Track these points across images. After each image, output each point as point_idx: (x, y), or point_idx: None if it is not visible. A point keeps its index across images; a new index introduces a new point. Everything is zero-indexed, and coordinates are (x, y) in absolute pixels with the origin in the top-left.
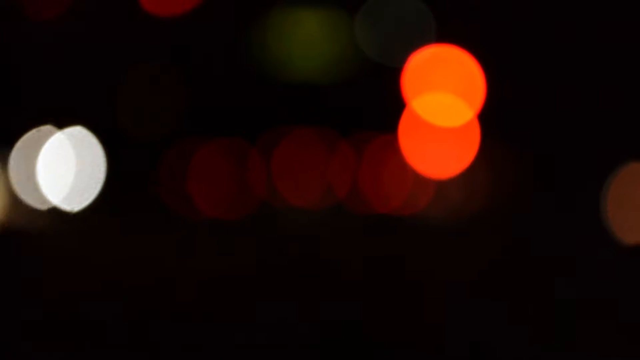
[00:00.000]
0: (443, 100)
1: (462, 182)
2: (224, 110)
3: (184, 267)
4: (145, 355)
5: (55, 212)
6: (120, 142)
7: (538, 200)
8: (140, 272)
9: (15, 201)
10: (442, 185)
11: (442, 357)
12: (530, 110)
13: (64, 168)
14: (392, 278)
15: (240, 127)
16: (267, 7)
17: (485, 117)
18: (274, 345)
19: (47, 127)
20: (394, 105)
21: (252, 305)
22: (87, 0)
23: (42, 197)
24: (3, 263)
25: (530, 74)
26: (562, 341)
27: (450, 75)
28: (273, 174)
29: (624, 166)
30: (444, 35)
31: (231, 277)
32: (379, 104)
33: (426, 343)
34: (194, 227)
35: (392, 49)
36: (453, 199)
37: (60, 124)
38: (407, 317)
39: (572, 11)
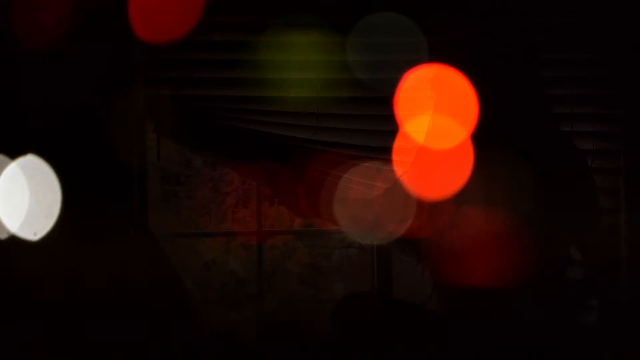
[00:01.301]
0: (436, 122)
1: (457, 201)
2: (216, 137)
3: (155, 288)
4: None
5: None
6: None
7: (532, 216)
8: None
9: None
10: (437, 206)
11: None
12: (523, 128)
13: (20, 197)
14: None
15: (234, 154)
16: (258, 31)
17: (478, 137)
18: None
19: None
20: (386, 127)
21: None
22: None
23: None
24: None
25: (522, 92)
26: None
27: (443, 96)
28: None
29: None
30: (436, 56)
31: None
32: (370, 127)
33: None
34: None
35: (383, 71)
36: (448, 219)
37: (13, 154)
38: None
39: (565, 28)
